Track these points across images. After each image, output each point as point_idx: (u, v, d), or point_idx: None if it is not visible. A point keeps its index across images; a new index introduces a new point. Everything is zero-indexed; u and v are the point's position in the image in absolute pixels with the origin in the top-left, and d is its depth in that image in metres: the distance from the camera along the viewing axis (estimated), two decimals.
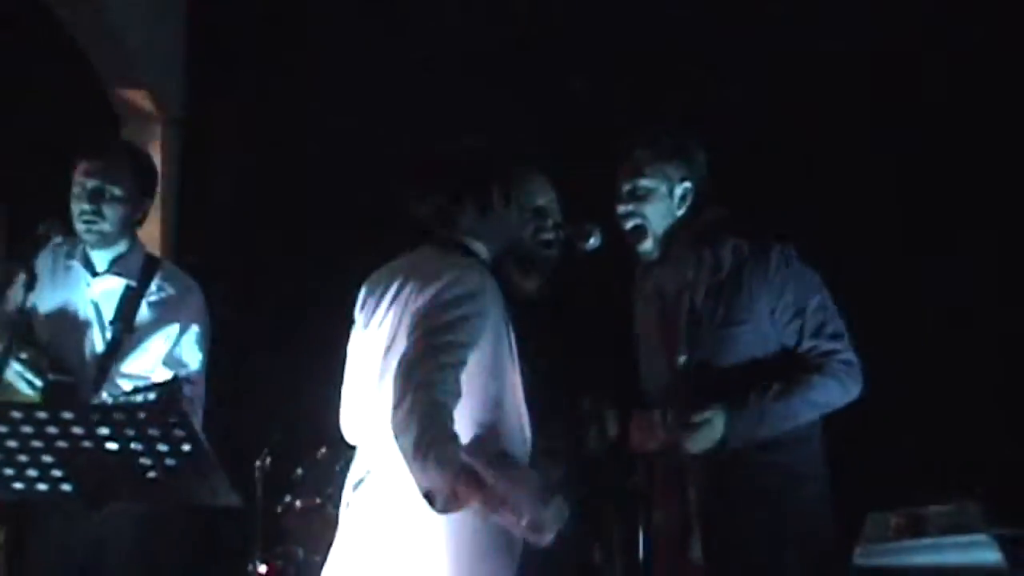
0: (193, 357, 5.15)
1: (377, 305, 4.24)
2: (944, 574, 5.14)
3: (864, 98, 6.58)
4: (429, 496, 3.80)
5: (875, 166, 6.50)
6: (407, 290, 4.12)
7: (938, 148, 6.45)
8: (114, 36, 7.06)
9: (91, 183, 5.08)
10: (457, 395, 3.89)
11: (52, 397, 4.89)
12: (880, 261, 6.19)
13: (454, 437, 3.81)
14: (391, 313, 4.16)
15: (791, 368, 4.57)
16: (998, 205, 6.36)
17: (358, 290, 4.37)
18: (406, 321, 4.05)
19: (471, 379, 3.97)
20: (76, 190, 5.11)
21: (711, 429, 4.48)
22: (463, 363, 3.94)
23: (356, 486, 4.22)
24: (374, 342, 4.22)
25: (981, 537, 5.09)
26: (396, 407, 3.88)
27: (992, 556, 5.05)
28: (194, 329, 5.17)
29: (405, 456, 3.81)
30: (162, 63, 7.43)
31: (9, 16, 7.17)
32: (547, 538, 3.77)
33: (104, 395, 4.88)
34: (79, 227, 5.10)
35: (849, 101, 6.58)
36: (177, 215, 7.23)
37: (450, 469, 3.74)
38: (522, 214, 4.28)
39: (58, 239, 5.06)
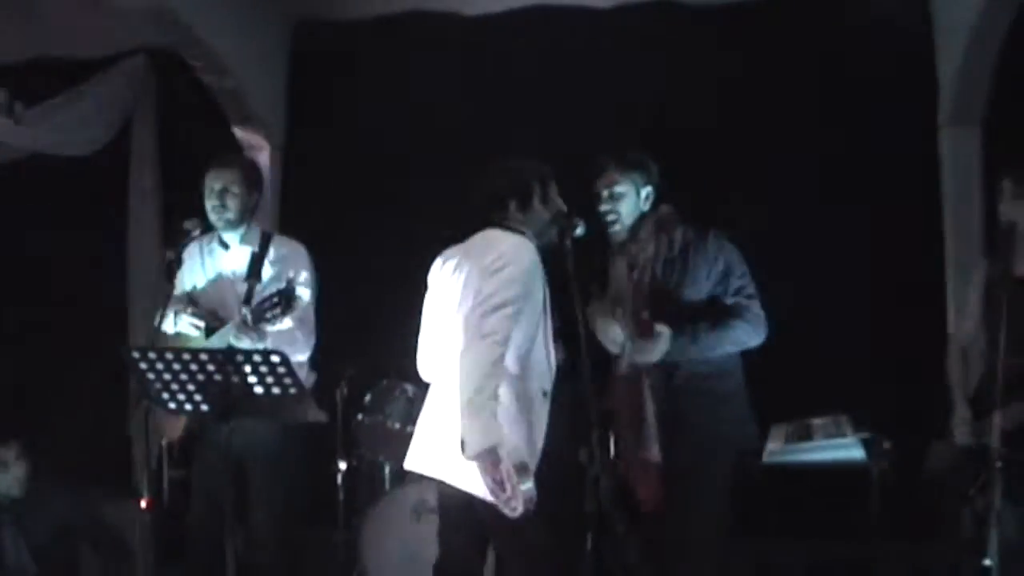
0: (304, 292, 5.21)
1: (450, 273, 4.36)
2: (825, 467, 5.22)
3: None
4: (463, 443, 3.93)
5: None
6: (471, 259, 4.29)
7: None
8: (235, 89, 7.06)
9: (217, 185, 5.23)
10: (507, 341, 4.06)
11: (210, 334, 5.07)
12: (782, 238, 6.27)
13: (495, 397, 4.00)
14: (459, 277, 4.32)
15: (719, 313, 4.65)
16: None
17: (423, 266, 4.49)
18: (472, 282, 4.20)
19: (519, 322, 4.13)
20: (207, 191, 5.24)
21: (660, 341, 4.55)
22: (515, 315, 4.09)
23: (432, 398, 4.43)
24: (445, 300, 4.33)
25: (849, 440, 5.16)
26: (465, 350, 4.07)
27: (858, 453, 5.13)
28: (303, 274, 5.29)
29: (461, 400, 4.01)
30: (268, 106, 7.40)
31: (175, 83, 7.28)
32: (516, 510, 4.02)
33: (244, 310, 5.00)
34: (212, 216, 5.24)
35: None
36: (279, 221, 7.24)
37: (484, 436, 3.95)
38: (547, 211, 4.41)
39: (196, 232, 5.17)
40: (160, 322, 5.00)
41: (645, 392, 4.64)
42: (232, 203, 5.24)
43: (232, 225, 5.27)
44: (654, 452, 4.60)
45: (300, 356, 5.11)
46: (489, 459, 3.95)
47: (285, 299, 4.86)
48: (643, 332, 4.60)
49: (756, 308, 4.72)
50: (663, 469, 4.59)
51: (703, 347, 4.63)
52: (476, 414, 3.96)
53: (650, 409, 4.62)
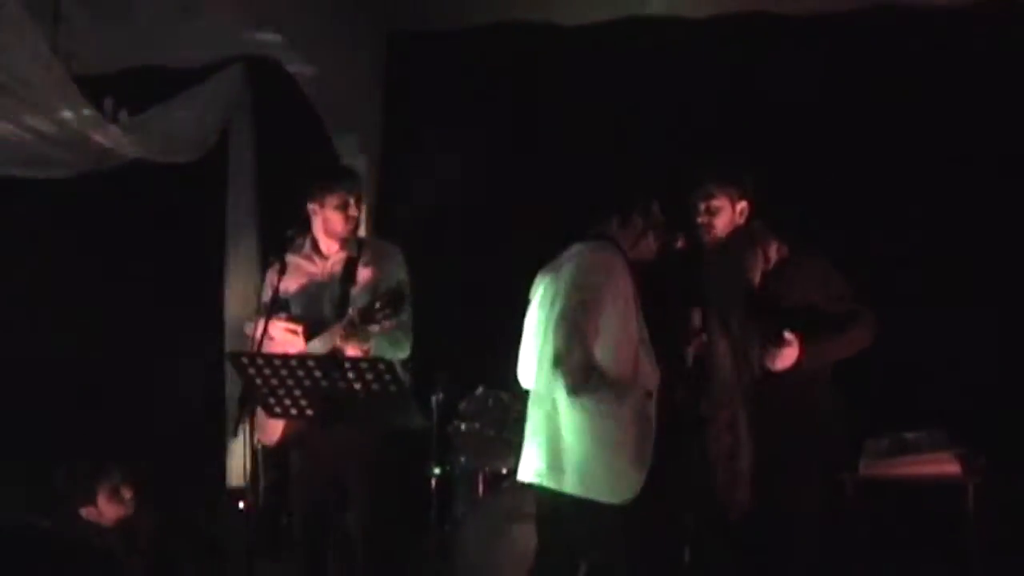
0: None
1: (545, 285, 4.53)
2: (920, 480, 5.27)
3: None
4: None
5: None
6: (563, 269, 4.54)
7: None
8: (332, 98, 7.21)
9: (352, 198, 5.33)
10: (596, 333, 4.34)
11: (310, 338, 5.10)
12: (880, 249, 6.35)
13: (593, 368, 4.31)
14: (551, 285, 4.56)
15: (834, 321, 4.71)
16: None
17: (517, 275, 4.64)
18: (563, 288, 4.46)
19: (610, 326, 4.41)
20: (338, 202, 5.31)
21: (792, 350, 4.61)
22: (600, 314, 4.36)
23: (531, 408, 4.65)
24: (541, 314, 4.50)
25: (946, 455, 5.21)
26: (555, 334, 4.38)
27: (953, 468, 5.17)
28: (400, 273, 5.33)
29: (565, 377, 4.31)
30: (365, 115, 7.57)
31: (273, 91, 7.44)
32: None
33: (351, 311, 5.03)
34: (346, 226, 5.32)
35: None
36: (375, 229, 7.36)
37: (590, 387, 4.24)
38: (645, 224, 4.56)
39: (299, 240, 5.31)
40: (256, 330, 5.00)
41: (740, 401, 4.74)
42: (359, 215, 5.40)
43: (355, 233, 5.41)
44: (745, 460, 4.70)
45: (401, 355, 5.18)
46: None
47: (396, 300, 4.87)
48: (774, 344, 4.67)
49: (865, 311, 4.79)
50: (753, 477, 4.68)
51: (831, 352, 4.72)
52: (579, 389, 4.27)
53: (743, 419, 4.72)
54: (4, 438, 7.00)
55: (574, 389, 4.30)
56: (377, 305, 4.89)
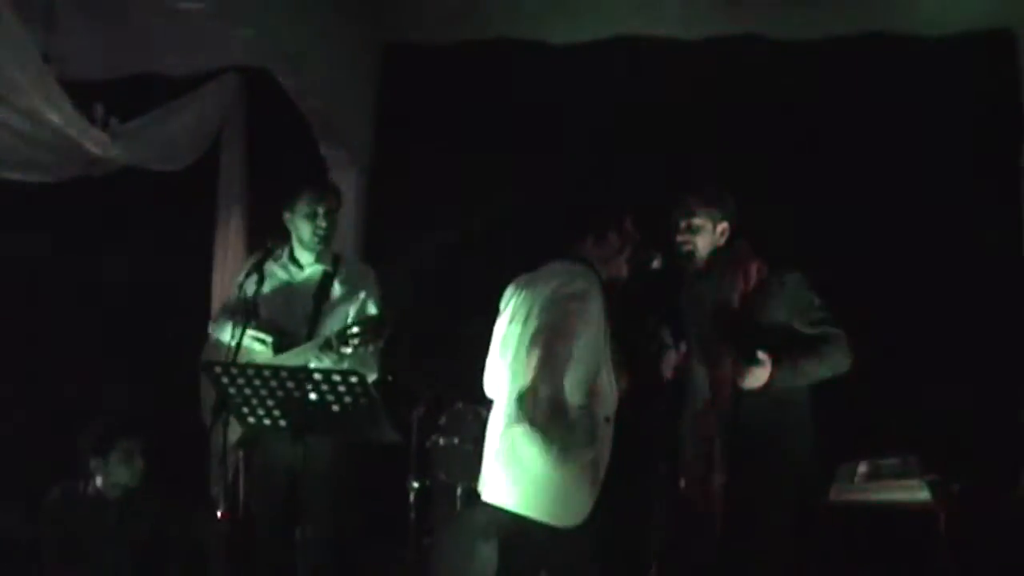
0: (374, 312, 5.39)
1: (518, 298, 4.54)
2: (892, 507, 5.29)
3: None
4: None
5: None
6: (538, 286, 4.51)
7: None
8: (324, 109, 7.24)
9: (322, 208, 5.43)
10: (569, 359, 4.30)
11: (278, 350, 5.20)
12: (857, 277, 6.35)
13: (559, 408, 4.26)
14: (525, 301, 4.52)
15: (809, 343, 4.73)
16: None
17: (495, 293, 4.65)
18: (536, 305, 4.44)
19: (581, 352, 4.36)
20: (309, 212, 5.43)
21: (764, 369, 4.64)
22: (576, 339, 4.33)
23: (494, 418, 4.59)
24: (512, 325, 4.52)
25: (917, 482, 5.23)
26: (527, 360, 4.34)
27: (925, 495, 5.19)
28: (373, 295, 5.44)
29: (530, 412, 4.28)
30: (356, 127, 7.61)
31: (264, 101, 7.47)
32: None
33: (326, 330, 5.17)
34: (315, 237, 5.43)
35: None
36: (362, 240, 7.43)
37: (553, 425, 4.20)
38: (621, 242, 4.58)
39: (278, 251, 5.35)
40: (217, 331, 5.18)
41: (714, 422, 4.75)
42: (332, 226, 5.47)
43: (325, 244, 5.47)
44: (718, 481, 4.72)
45: (371, 376, 5.17)
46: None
47: (376, 328, 5.02)
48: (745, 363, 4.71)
49: (840, 334, 4.81)
50: (725, 498, 4.71)
51: (802, 376, 4.74)
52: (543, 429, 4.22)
53: (719, 444, 4.74)
54: None
55: (536, 424, 4.26)
56: (355, 330, 5.02)
